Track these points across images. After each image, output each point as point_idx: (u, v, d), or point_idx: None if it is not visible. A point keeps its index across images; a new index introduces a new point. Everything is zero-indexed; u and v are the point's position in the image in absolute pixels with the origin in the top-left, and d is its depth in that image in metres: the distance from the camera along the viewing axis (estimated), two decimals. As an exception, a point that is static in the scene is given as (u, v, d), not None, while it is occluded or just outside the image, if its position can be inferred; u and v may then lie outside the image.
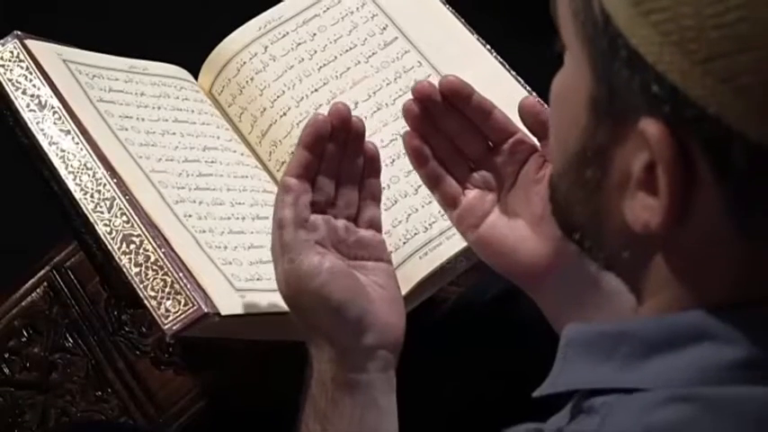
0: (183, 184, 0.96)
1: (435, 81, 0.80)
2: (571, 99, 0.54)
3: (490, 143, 0.80)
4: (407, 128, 0.80)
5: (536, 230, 0.77)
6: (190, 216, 0.92)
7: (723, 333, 0.50)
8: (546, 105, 0.78)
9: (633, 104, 0.48)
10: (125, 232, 0.87)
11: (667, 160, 0.47)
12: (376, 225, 0.83)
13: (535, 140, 0.79)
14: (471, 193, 0.81)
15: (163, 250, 0.85)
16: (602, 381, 0.54)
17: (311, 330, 0.79)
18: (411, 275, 0.93)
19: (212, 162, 1.00)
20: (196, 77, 1.11)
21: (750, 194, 0.47)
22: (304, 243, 0.77)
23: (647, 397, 0.51)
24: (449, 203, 0.82)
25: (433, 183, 0.82)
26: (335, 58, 1.07)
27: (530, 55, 1.02)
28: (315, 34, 1.09)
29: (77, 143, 0.92)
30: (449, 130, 0.80)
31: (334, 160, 0.80)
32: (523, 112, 0.78)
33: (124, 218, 0.87)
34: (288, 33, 1.09)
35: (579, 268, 0.75)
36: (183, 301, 0.82)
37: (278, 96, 1.06)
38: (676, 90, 0.46)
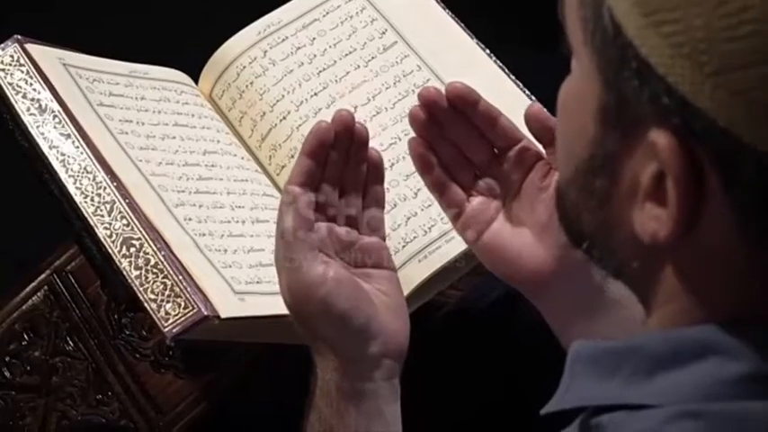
0: (183, 187, 0.96)
1: (434, 85, 0.80)
2: (579, 107, 0.53)
3: (495, 150, 0.80)
4: (407, 131, 0.80)
5: (540, 238, 0.77)
6: (190, 219, 0.92)
7: (729, 348, 0.50)
8: (547, 111, 0.78)
9: (643, 115, 0.48)
10: (125, 235, 0.87)
11: (677, 171, 0.47)
12: (380, 232, 0.83)
13: (541, 148, 0.78)
14: (476, 200, 0.80)
15: (163, 253, 0.86)
16: (609, 397, 0.53)
17: (315, 340, 0.78)
18: (410, 279, 0.93)
19: (212, 166, 1.00)
20: (196, 82, 1.12)
21: (760, 207, 0.47)
22: (308, 252, 0.76)
23: (655, 414, 0.51)
24: (453, 210, 0.81)
25: (437, 189, 0.81)
26: (335, 62, 1.08)
27: (529, 60, 1.02)
28: (314, 38, 1.09)
29: (77, 147, 0.92)
30: (454, 137, 0.80)
31: (337, 167, 0.79)
32: (530, 119, 0.77)
33: (124, 221, 0.88)
34: (287, 38, 1.10)
35: (583, 276, 0.74)
36: (182, 304, 0.82)
37: (277, 100, 1.06)
38: (686, 102, 0.46)
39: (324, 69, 1.07)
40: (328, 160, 0.78)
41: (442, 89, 0.78)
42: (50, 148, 0.92)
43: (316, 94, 1.06)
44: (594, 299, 0.76)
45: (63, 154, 0.92)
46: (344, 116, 0.78)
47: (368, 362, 0.77)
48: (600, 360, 0.55)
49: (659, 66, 0.46)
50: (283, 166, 1.04)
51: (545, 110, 0.78)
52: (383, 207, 0.83)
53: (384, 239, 0.83)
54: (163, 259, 0.85)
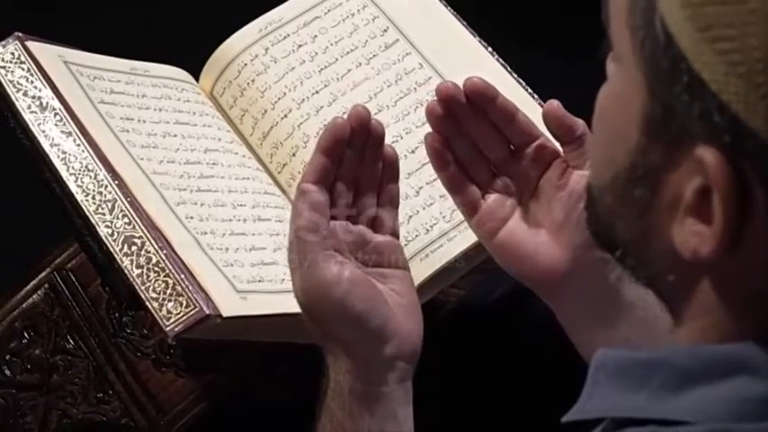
0: (185, 185, 0.96)
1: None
2: (621, 113, 0.52)
3: (512, 147, 0.79)
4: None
5: (556, 237, 0.76)
6: (191, 218, 0.92)
7: (761, 366, 0.49)
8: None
9: (691, 129, 0.47)
10: (126, 234, 0.87)
11: (724, 190, 0.46)
12: (394, 231, 0.82)
13: (558, 146, 0.78)
14: (491, 198, 0.80)
15: (164, 252, 0.86)
16: (636, 410, 0.53)
17: (329, 341, 0.77)
18: (413, 277, 0.92)
19: (214, 164, 1.00)
20: (197, 79, 1.11)
21: None
22: (323, 252, 0.75)
23: (685, 431, 0.50)
24: (468, 208, 0.81)
25: (453, 186, 0.81)
26: (336, 60, 1.07)
27: (531, 58, 1.02)
28: (316, 36, 1.09)
29: (79, 145, 0.92)
30: (471, 133, 0.79)
31: (352, 165, 0.78)
32: (548, 116, 0.77)
33: (126, 219, 0.88)
34: (289, 35, 1.09)
35: (598, 277, 0.74)
36: (184, 303, 0.82)
37: (279, 98, 1.06)
38: (739, 121, 0.45)
39: (325, 67, 1.07)
40: (343, 158, 0.77)
41: (449, 85, 0.78)
42: (51, 146, 0.92)
43: (317, 91, 1.06)
44: (610, 300, 0.75)
45: (64, 152, 0.92)
46: (361, 112, 0.77)
47: (382, 364, 0.76)
48: (625, 370, 0.54)
49: (712, 82, 0.46)
50: (284, 165, 1.03)
51: (563, 107, 0.77)
52: (397, 205, 0.82)
53: (398, 238, 0.82)
54: (164, 258, 0.85)
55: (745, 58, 0.45)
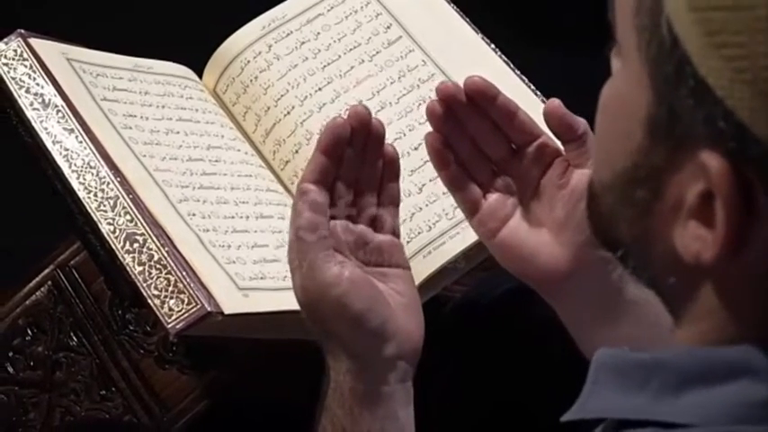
0: (187, 182, 0.95)
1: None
2: (624, 112, 0.52)
3: (513, 146, 0.79)
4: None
5: (557, 236, 0.76)
6: (193, 215, 0.92)
7: (761, 369, 0.49)
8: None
9: (695, 134, 0.47)
10: (129, 231, 0.87)
11: (727, 195, 0.46)
12: (394, 230, 0.81)
13: (559, 144, 0.78)
14: (492, 197, 0.80)
15: (166, 249, 0.85)
16: (636, 411, 0.52)
17: (329, 340, 0.77)
18: (415, 274, 0.92)
19: (216, 161, 1.00)
20: (200, 76, 1.11)
21: None
22: (323, 251, 0.75)
23: None
24: (469, 207, 0.80)
25: (454, 186, 0.80)
26: (339, 56, 1.07)
27: (534, 56, 1.02)
28: (319, 33, 1.09)
29: (81, 142, 0.92)
30: (472, 132, 0.79)
31: (352, 164, 0.78)
32: (549, 115, 0.76)
33: (128, 217, 0.87)
34: (292, 32, 1.09)
35: (600, 276, 0.74)
36: (186, 300, 0.82)
37: (282, 95, 1.06)
38: (744, 128, 0.45)
39: (328, 64, 1.07)
40: (344, 157, 0.77)
41: (449, 84, 0.78)
42: (54, 143, 0.92)
43: (320, 88, 1.06)
44: (612, 298, 0.75)
45: (66, 149, 0.92)
46: (361, 111, 0.77)
47: (382, 364, 0.76)
48: (625, 371, 0.54)
49: (718, 88, 0.45)
50: (287, 162, 1.03)
51: (563, 106, 0.77)
52: (398, 204, 0.82)
53: (399, 237, 0.82)
54: (166, 255, 0.85)
55: (751, 65, 0.44)
